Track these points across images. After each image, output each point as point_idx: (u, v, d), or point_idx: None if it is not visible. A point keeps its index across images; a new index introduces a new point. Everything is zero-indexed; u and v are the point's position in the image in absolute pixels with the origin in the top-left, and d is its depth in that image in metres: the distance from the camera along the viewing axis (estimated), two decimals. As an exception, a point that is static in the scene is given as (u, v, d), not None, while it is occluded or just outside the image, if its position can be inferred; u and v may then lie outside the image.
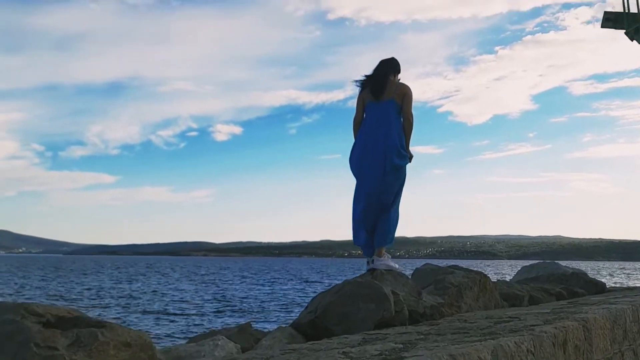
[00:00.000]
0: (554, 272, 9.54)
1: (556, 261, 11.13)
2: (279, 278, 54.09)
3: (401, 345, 2.60)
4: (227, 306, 24.60)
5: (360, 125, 5.10)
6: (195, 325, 18.01)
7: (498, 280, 6.70)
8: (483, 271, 5.57)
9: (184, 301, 26.97)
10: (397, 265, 4.94)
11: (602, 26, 10.38)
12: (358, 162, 5.01)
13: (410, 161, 5.04)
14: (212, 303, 26.01)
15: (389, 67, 5.13)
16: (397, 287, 4.47)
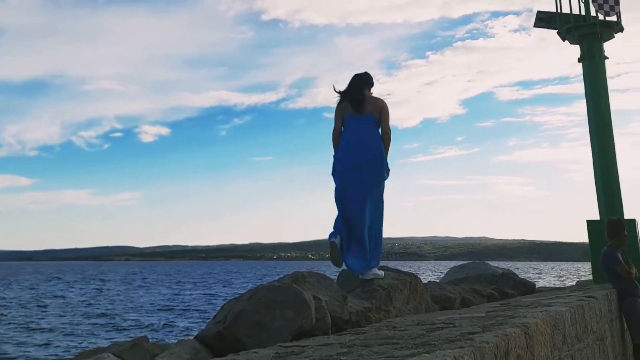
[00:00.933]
0: (484, 273, 9.38)
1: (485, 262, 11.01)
2: (198, 282, 51.86)
3: (318, 366, 2.10)
4: (125, 316, 22.30)
5: (339, 137, 5.15)
6: (81, 339, 16.12)
7: (429, 281, 6.34)
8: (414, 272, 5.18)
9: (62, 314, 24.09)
10: (382, 273, 4.95)
11: (535, 25, 10.34)
12: (343, 174, 5.01)
13: (388, 175, 5.11)
14: (107, 312, 23.72)
15: (363, 82, 5.21)
16: (321, 291, 3.98)
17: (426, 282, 6.08)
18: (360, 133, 5.03)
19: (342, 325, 3.86)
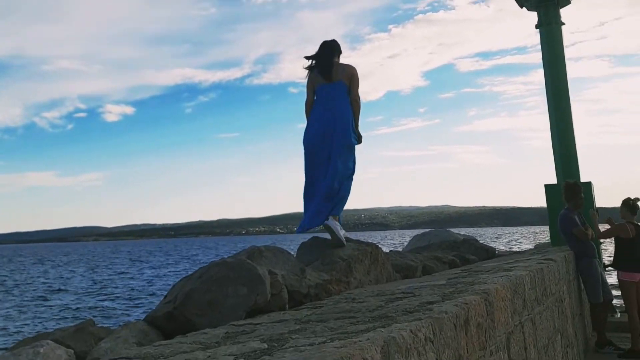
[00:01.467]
0: (446, 240, 9.42)
1: (448, 229, 11.09)
2: (159, 261, 50.61)
3: (266, 346, 1.97)
4: (76, 299, 21.34)
5: (311, 107, 5.15)
6: (24, 325, 15.30)
7: (391, 251, 6.28)
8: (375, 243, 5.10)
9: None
10: (343, 233, 4.87)
11: None
12: (312, 142, 5.01)
13: (359, 142, 5.12)
14: (56, 295, 22.68)
15: (332, 49, 5.18)
16: (277, 265, 3.86)
17: (388, 251, 6.03)
18: (330, 100, 5.03)
19: (301, 299, 3.75)
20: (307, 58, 5.21)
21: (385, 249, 5.81)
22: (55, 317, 17.36)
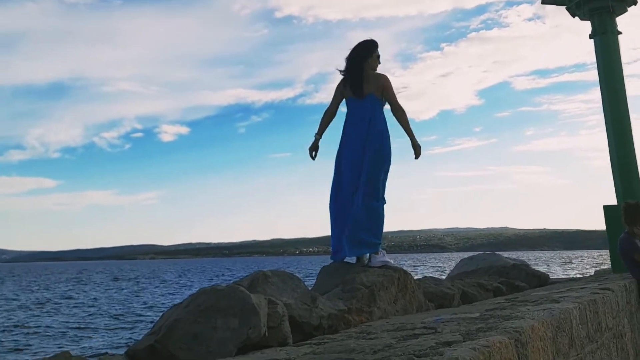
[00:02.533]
0: (494, 264, 8.78)
1: (497, 252, 10.42)
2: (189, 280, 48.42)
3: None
4: (66, 324, 19.40)
5: (331, 116, 4.88)
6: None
7: (425, 277, 5.75)
8: (403, 267, 4.64)
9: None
10: (392, 261, 4.62)
11: (543, 2, 9.74)
12: (342, 161, 4.75)
13: (417, 153, 4.77)
14: (50, 319, 20.90)
15: (361, 56, 4.77)
16: (285, 292, 3.46)
17: (422, 276, 5.53)
18: (360, 117, 4.72)
19: (312, 332, 3.34)
20: (341, 72, 4.87)
21: (430, 273, 5.32)
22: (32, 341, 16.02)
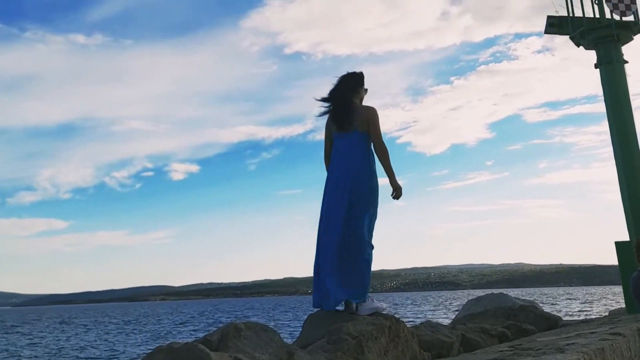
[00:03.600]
0: (502, 306, 8.40)
1: (512, 289, 10.00)
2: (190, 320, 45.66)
3: None
4: None
5: (329, 159, 4.59)
6: None
7: (421, 323, 5.37)
8: (393, 316, 4.31)
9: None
10: (384, 305, 4.39)
11: (546, 32, 9.62)
12: (325, 198, 4.46)
13: (396, 194, 4.40)
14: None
15: (346, 90, 4.54)
16: (259, 347, 3.16)
17: (418, 323, 5.18)
18: (342, 154, 4.47)
19: (288, 391, 3.02)
20: (322, 100, 4.56)
21: (442, 313, 4.96)
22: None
